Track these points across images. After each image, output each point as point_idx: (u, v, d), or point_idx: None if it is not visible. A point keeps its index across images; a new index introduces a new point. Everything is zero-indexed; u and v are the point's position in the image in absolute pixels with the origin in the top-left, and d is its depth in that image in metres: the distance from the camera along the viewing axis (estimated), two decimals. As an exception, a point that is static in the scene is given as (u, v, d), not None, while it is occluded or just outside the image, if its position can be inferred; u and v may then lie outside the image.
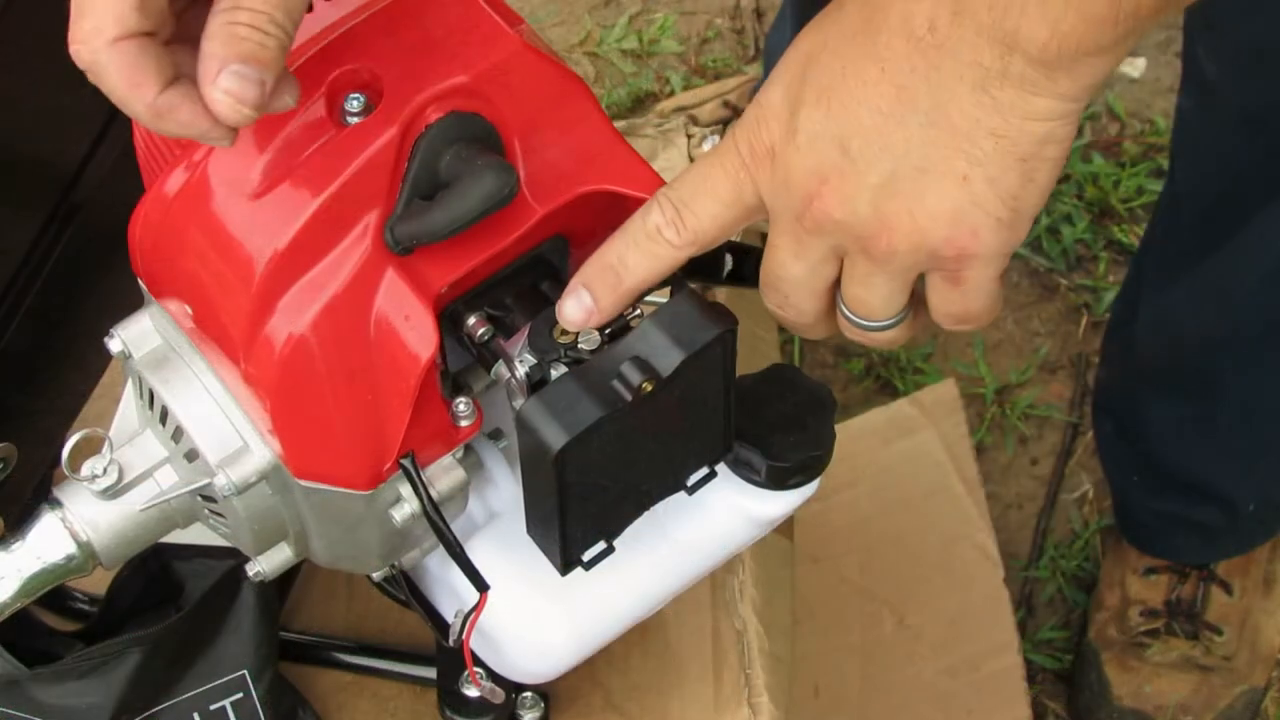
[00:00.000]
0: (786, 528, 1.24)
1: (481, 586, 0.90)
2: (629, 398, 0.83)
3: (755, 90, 2.05)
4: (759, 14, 2.24)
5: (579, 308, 0.86)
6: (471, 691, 1.07)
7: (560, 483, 0.84)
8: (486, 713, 1.08)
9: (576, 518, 0.87)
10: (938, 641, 1.64)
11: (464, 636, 0.93)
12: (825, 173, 0.81)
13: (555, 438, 0.82)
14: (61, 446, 1.18)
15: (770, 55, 2.05)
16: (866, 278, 0.84)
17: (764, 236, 1.03)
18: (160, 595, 1.13)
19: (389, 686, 1.15)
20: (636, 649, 1.13)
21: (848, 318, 0.86)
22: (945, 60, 0.77)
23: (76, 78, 1.02)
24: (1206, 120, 1.44)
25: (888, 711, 1.61)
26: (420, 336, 0.84)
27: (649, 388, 0.83)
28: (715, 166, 0.84)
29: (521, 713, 1.09)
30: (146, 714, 1.08)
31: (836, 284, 0.86)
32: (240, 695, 1.09)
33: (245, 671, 1.09)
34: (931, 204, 0.80)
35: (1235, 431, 1.63)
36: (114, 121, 1.05)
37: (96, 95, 1.03)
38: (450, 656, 1.09)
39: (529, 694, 1.09)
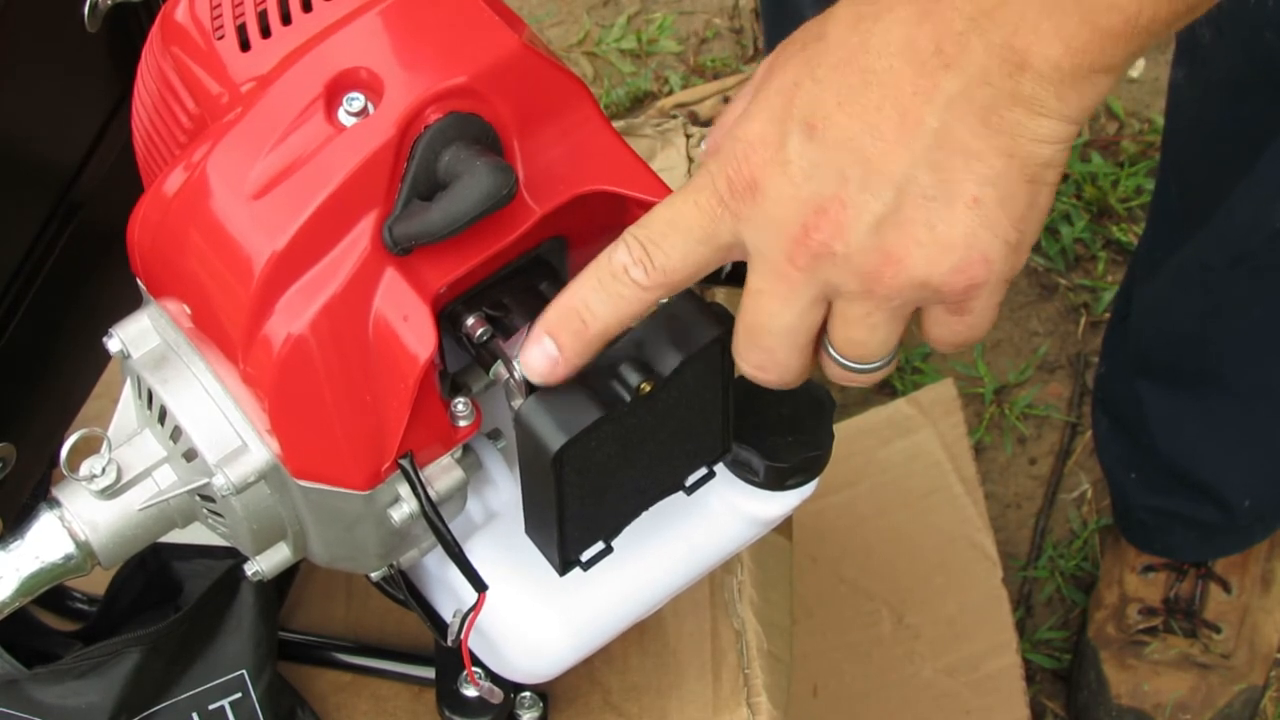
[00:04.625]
0: (785, 527, 1.24)
1: (480, 586, 0.90)
2: (628, 398, 0.83)
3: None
4: (757, 14, 2.24)
5: (543, 357, 0.82)
6: (470, 691, 1.07)
7: (558, 483, 0.84)
8: (485, 713, 1.08)
9: (575, 518, 0.87)
10: (936, 641, 1.64)
11: (463, 636, 0.93)
12: (822, 203, 0.76)
13: (553, 438, 0.82)
14: (61, 446, 1.18)
15: None
16: (865, 318, 0.79)
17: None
18: (159, 595, 1.13)
19: (388, 686, 1.15)
20: (635, 649, 1.13)
21: (839, 363, 0.82)
22: (953, 81, 0.74)
23: (75, 77, 1.02)
24: (1197, 90, 1.44)
25: (886, 711, 1.61)
26: (419, 336, 0.84)
27: (648, 388, 0.83)
28: (688, 203, 0.79)
29: (520, 713, 1.09)
30: (145, 714, 1.08)
31: (820, 332, 0.81)
32: (239, 695, 1.09)
33: (244, 671, 1.09)
34: (942, 232, 0.76)
35: (1230, 423, 1.64)
36: (113, 120, 1.05)
37: (95, 94, 1.03)
38: (449, 656, 1.09)
39: (527, 694, 1.09)
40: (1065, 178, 2.09)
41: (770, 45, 1.92)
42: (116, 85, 1.04)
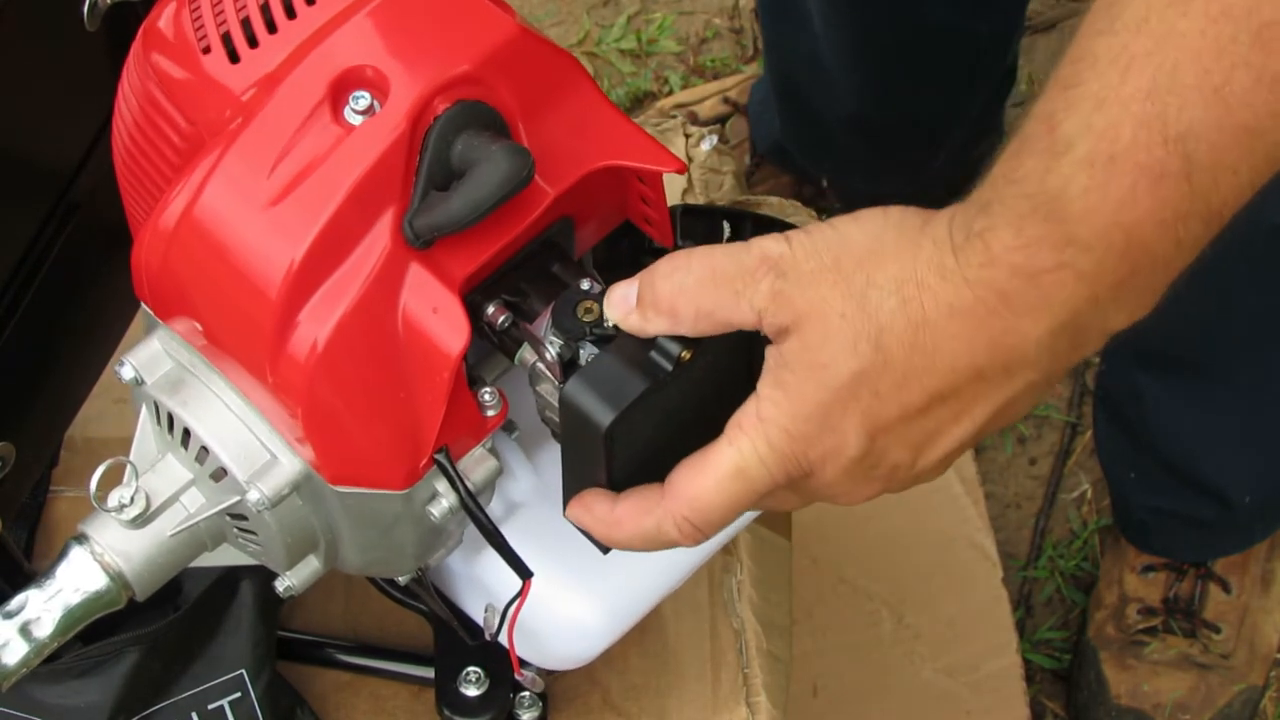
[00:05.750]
0: (785, 527, 1.24)
1: (525, 574, 0.90)
2: (669, 368, 0.83)
3: (754, 88, 2.05)
4: (757, 14, 2.24)
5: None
6: (470, 691, 1.07)
7: (608, 459, 0.84)
8: (484, 712, 1.08)
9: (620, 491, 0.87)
10: (936, 641, 1.64)
11: (509, 627, 0.93)
12: (872, 484, 0.84)
13: (602, 415, 0.82)
14: (59, 446, 1.18)
15: (753, 108, 2.04)
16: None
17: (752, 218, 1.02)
18: (158, 594, 1.12)
19: (387, 686, 1.15)
20: (635, 649, 1.13)
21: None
22: (1014, 384, 0.80)
23: (74, 77, 1.02)
24: None
25: (886, 711, 1.61)
26: (451, 327, 0.84)
27: (688, 356, 0.83)
28: (743, 485, 0.82)
29: (520, 712, 1.09)
30: (144, 713, 1.08)
31: None
32: (238, 695, 1.09)
33: (243, 671, 1.09)
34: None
35: (1230, 417, 1.64)
36: (112, 120, 1.05)
37: (94, 93, 1.03)
38: (448, 656, 1.09)
39: (527, 693, 1.09)
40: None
41: (769, 45, 1.92)
42: (115, 85, 1.04)
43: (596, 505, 0.86)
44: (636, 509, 0.85)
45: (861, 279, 0.78)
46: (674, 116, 1.47)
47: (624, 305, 0.83)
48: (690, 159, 1.40)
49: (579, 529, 0.90)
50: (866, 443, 0.80)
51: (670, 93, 2.17)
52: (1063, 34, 2.21)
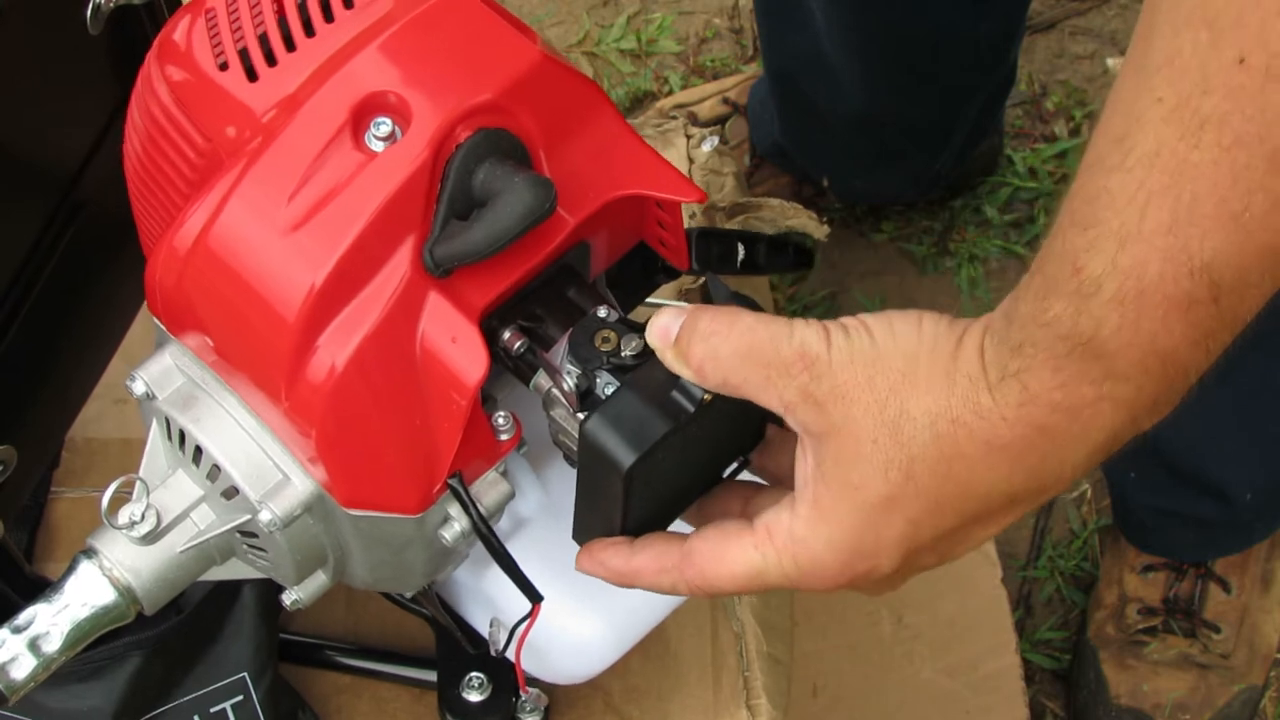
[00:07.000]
0: (786, 529, 1.24)
1: (535, 598, 0.90)
2: (691, 409, 0.82)
3: (754, 88, 2.05)
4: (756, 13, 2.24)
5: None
6: (472, 696, 1.07)
7: (626, 496, 0.84)
8: (486, 717, 1.08)
9: (634, 525, 0.87)
10: (936, 641, 1.64)
11: (517, 648, 0.93)
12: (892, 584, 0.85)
13: (624, 455, 0.81)
14: (61, 447, 1.18)
15: (752, 108, 2.04)
16: None
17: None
18: (160, 597, 1.13)
19: (388, 689, 1.15)
20: (636, 652, 1.13)
21: None
22: (1045, 496, 0.81)
23: (77, 79, 1.02)
24: None
25: (886, 712, 1.61)
26: (470, 357, 0.84)
27: (709, 399, 0.83)
28: (759, 584, 0.84)
29: (522, 717, 1.09)
30: (147, 717, 1.08)
31: None
32: (240, 698, 1.09)
33: (245, 674, 1.09)
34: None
35: (1231, 413, 1.63)
36: (115, 121, 1.05)
37: (98, 96, 1.03)
38: (450, 660, 1.09)
39: (529, 698, 1.09)
40: (1065, 177, 2.09)
41: (768, 44, 1.91)
42: (118, 87, 1.04)
43: (611, 560, 0.87)
44: (654, 567, 0.86)
45: (895, 408, 0.78)
46: (674, 117, 1.47)
47: (664, 339, 0.83)
48: (691, 160, 1.40)
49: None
50: (900, 563, 0.82)
51: (670, 93, 2.17)
52: (1063, 34, 2.21)
